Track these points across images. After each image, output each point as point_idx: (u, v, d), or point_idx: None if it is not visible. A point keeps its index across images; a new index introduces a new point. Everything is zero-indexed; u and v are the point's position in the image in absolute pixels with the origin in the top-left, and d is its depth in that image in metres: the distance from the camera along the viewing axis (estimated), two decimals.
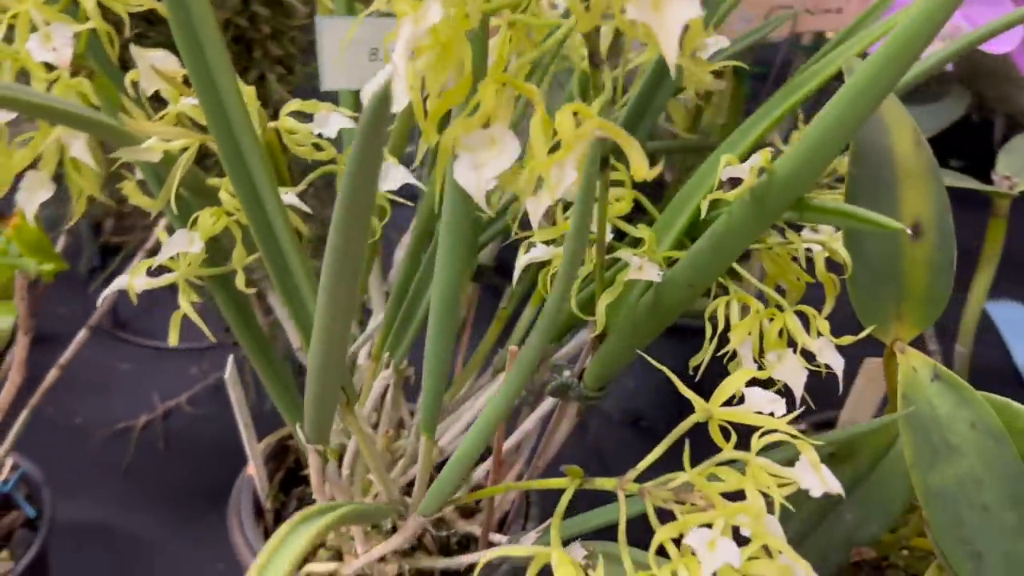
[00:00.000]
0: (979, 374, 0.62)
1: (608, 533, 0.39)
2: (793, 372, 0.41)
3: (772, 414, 0.34)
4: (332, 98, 0.46)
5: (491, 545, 0.50)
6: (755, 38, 0.50)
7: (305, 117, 0.41)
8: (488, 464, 0.49)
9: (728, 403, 0.35)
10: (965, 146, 0.93)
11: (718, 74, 0.53)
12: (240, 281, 0.38)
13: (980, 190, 0.53)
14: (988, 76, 0.88)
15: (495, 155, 0.29)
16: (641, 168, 0.30)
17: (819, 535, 0.49)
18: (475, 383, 0.54)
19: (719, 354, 0.43)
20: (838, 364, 0.41)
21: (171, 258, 0.39)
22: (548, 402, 0.52)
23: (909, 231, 0.42)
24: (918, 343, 0.46)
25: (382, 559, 0.50)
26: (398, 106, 0.29)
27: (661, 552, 0.31)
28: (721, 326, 0.42)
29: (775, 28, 0.51)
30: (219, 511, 0.53)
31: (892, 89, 0.35)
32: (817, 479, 0.32)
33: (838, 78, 0.43)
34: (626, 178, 0.44)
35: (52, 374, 0.57)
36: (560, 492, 0.36)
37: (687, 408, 0.34)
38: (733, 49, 0.49)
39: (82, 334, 0.58)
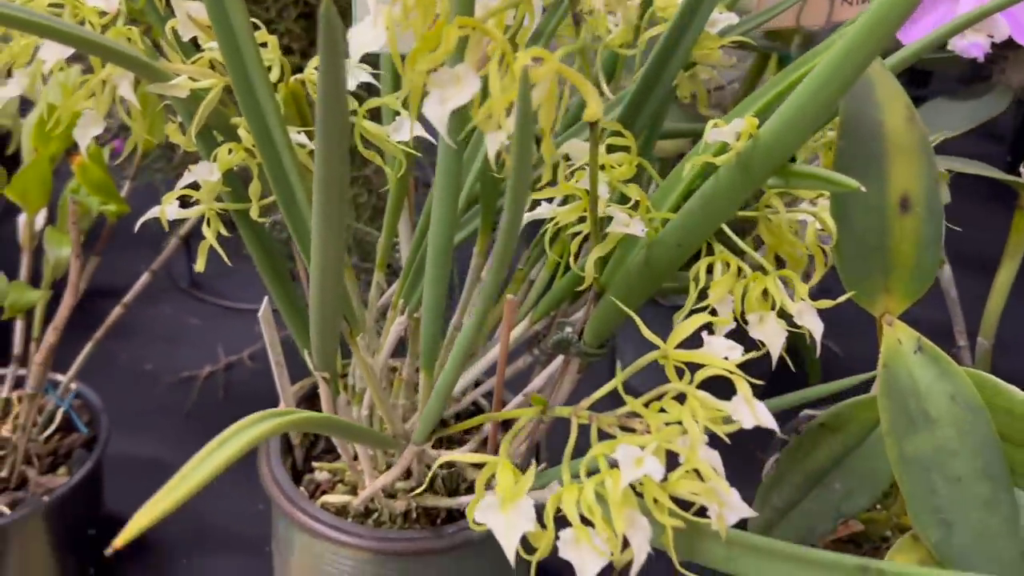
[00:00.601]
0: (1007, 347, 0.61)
1: None
2: (773, 333, 0.43)
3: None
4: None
5: None
6: (767, 18, 0.52)
7: None
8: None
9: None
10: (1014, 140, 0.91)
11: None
12: (254, 211, 0.42)
13: (1004, 180, 0.54)
14: None
15: (458, 90, 0.31)
16: (594, 111, 0.32)
17: (808, 503, 0.50)
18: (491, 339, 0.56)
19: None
20: (817, 328, 0.43)
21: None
22: (557, 362, 0.54)
23: (898, 205, 0.43)
24: (948, 340, 0.47)
25: (392, 496, 0.54)
26: (377, 46, 0.32)
27: None
28: (703, 283, 0.43)
29: (785, 10, 0.52)
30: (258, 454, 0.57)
31: (873, 57, 0.37)
32: (750, 413, 0.33)
33: None
34: (632, 144, 0.46)
35: (116, 311, 0.63)
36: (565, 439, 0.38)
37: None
38: (746, 27, 0.51)
39: (145, 277, 0.63)
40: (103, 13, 0.41)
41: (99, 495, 0.63)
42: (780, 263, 0.48)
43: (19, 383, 0.62)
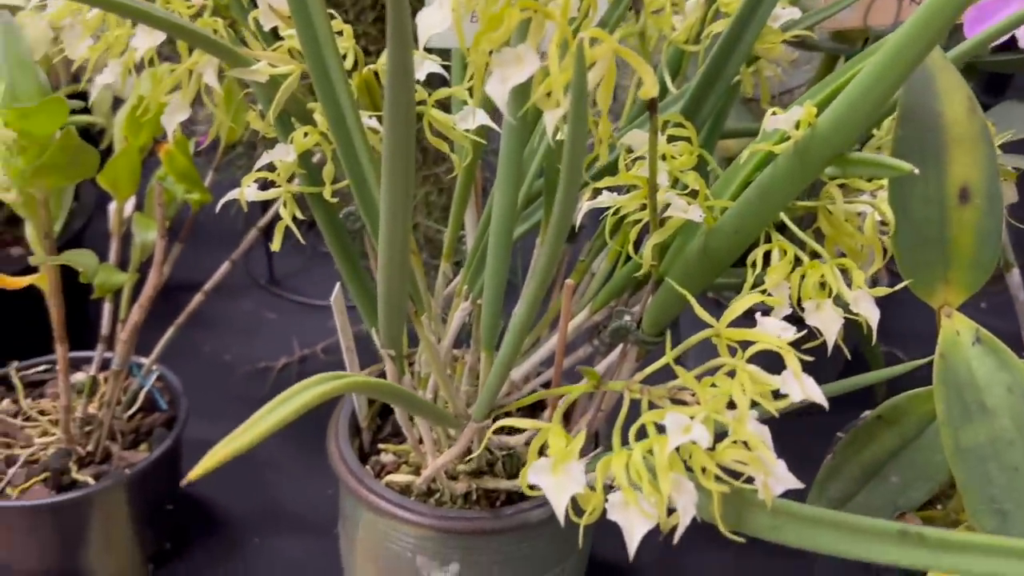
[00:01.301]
0: None
1: None
2: (829, 320, 0.43)
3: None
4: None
5: None
6: (831, 13, 0.52)
7: None
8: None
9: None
10: None
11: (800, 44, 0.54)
12: (327, 192, 0.43)
13: None
14: None
15: (519, 70, 0.33)
16: (651, 88, 0.33)
17: (864, 495, 0.50)
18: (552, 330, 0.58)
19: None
20: (874, 315, 0.43)
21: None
22: (617, 351, 0.55)
23: (957, 196, 0.43)
24: (1017, 346, 0.46)
25: (454, 478, 0.55)
26: (443, 27, 0.34)
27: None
28: (759, 269, 0.44)
29: (848, 6, 0.53)
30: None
31: (929, 50, 0.37)
32: (798, 387, 0.34)
33: None
34: (692, 135, 0.47)
35: (197, 298, 0.65)
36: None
37: None
38: (809, 22, 0.51)
39: (225, 267, 0.66)
40: (191, 5, 0.44)
41: (177, 472, 0.66)
42: (840, 257, 0.48)
43: (105, 365, 0.66)
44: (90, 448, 0.63)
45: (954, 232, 0.44)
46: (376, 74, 0.46)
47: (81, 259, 0.52)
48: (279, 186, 0.45)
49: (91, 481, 0.60)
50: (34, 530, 0.60)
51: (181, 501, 0.68)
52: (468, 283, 0.52)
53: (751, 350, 0.35)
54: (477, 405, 0.46)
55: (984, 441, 0.43)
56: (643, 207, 0.46)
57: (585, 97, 0.32)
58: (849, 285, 0.44)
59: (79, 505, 0.59)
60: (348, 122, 0.41)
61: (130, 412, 0.66)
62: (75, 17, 0.45)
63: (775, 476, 0.33)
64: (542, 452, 0.35)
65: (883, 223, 0.46)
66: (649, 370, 0.37)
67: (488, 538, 0.53)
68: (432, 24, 0.34)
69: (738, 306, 0.37)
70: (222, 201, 0.46)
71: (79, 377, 0.67)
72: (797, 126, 0.41)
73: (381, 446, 0.59)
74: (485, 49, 0.33)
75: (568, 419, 0.61)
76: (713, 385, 0.36)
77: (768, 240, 0.45)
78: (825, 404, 0.35)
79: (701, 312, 0.38)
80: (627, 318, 0.50)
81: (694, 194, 0.46)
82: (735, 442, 0.33)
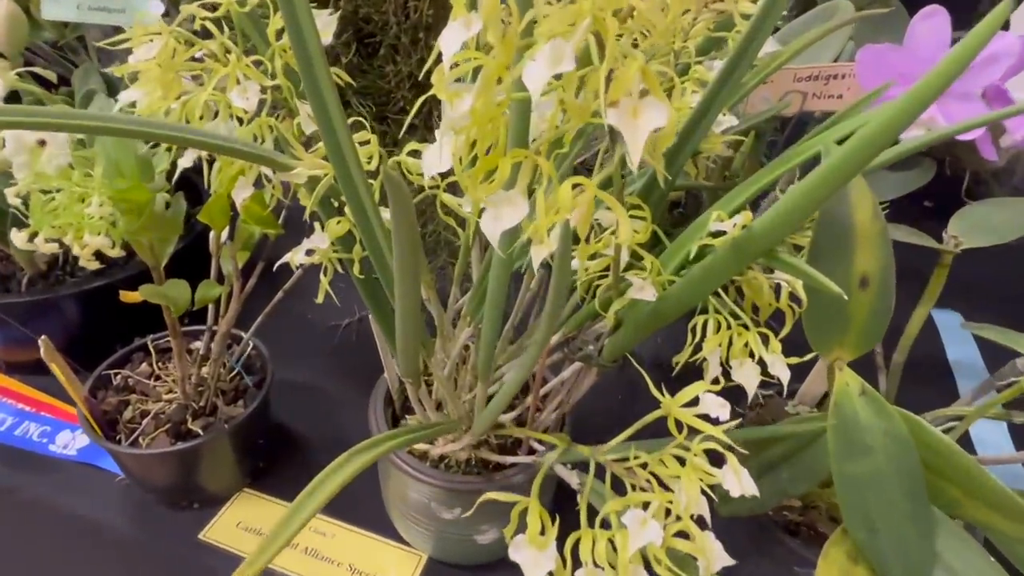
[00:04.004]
0: (918, 365, 0.52)
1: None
2: (749, 376, 0.34)
3: (717, 419, 0.27)
4: None
5: (532, 451, 0.46)
6: (765, 116, 0.41)
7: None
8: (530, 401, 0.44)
9: (690, 404, 0.29)
10: (935, 190, 0.79)
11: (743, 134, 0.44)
12: (356, 268, 0.34)
13: (931, 247, 0.43)
14: (960, 144, 0.74)
15: (510, 212, 0.23)
16: (626, 234, 0.23)
17: (762, 484, 0.42)
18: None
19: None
20: (785, 376, 0.34)
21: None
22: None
23: (858, 283, 0.34)
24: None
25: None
26: (444, 167, 0.23)
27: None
28: (698, 337, 0.35)
29: (782, 110, 0.42)
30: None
31: (854, 176, 0.27)
32: (736, 482, 0.25)
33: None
34: (648, 215, 0.37)
35: (277, 296, 0.56)
36: (589, 415, 0.30)
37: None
38: (749, 124, 0.41)
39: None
40: (245, 112, 0.33)
41: (267, 418, 0.58)
42: (754, 308, 0.39)
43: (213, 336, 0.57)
44: (201, 404, 0.54)
45: (852, 310, 0.34)
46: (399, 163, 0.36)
47: (174, 292, 0.42)
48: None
49: (200, 432, 0.52)
50: (162, 466, 0.52)
51: (272, 434, 0.60)
52: (471, 314, 0.43)
53: (698, 445, 0.26)
54: (474, 430, 0.37)
55: (864, 473, 0.34)
56: (607, 270, 0.36)
57: (569, 241, 0.22)
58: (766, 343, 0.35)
59: (194, 450, 0.51)
60: (369, 217, 0.31)
61: (232, 374, 0.58)
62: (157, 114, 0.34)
63: (714, 557, 0.25)
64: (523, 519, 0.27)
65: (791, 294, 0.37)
66: (613, 443, 0.28)
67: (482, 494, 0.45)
68: (434, 165, 0.24)
69: (689, 392, 0.28)
70: (277, 264, 0.37)
71: (196, 345, 0.59)
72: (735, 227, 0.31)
73: (408, 416, 0.51)
74: (479, 196, 0.23)
75: (544, 399, 0.53)
76: (662, 462, 0.27)
77: (705, 310, 0.35)
78: (757, 494, 0.26)
79: (655, 391, 0.29)
80: (591, 348, 0.41)
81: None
82: (681, 532, 0.24)
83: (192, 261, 0.63)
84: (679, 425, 0.28)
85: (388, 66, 0.60)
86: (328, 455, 0.63)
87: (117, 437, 0.52)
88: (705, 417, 0.28)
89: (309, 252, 0.35)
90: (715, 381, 0.32)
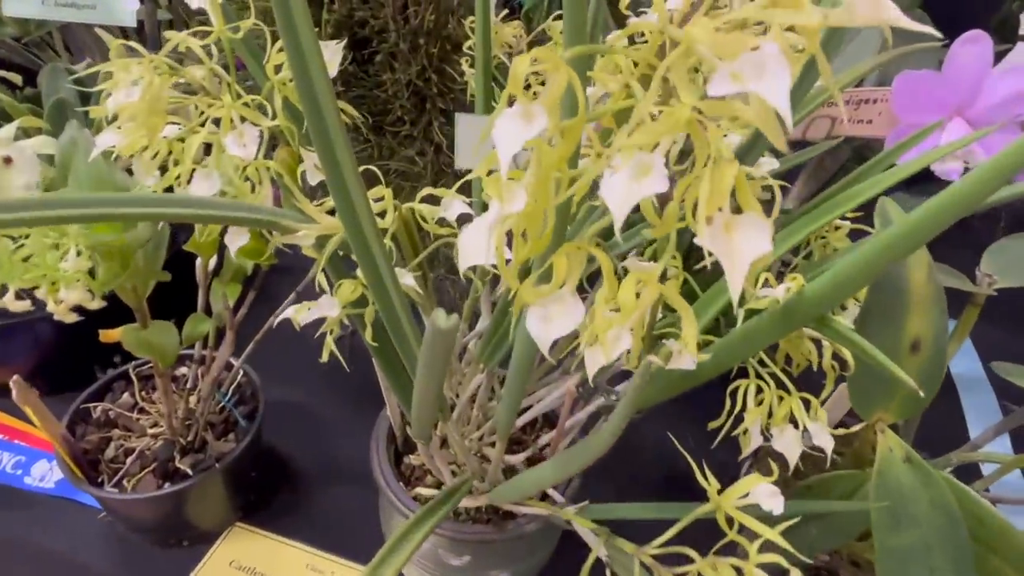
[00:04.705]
0: None
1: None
2: (791, 444, 0.32)
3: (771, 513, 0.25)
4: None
5: (545, 495, 0.43)
6: (808, 156, 0.39)
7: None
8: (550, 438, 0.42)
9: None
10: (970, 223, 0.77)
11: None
12: (368, 334, 0.31)
13: (965, 290, 0.41)
14: None
15: (562, 312, 0.20)
16: (692, 337, 0.21)
17: (789, 538, 0.40)
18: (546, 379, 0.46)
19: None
20: (828, 444, 0.32)
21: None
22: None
23: (909, 347, 0.31)
24: None
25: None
26: (488, 260, 0.20)
27: None
28: (739, 405, 0.32)
29: (825, 149, 0.39)
30: (380, 403, 0.48)
31: (919, 248, 0.24)
32: None
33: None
34: (679, 263, 0.34)
35: (291, 298, 0.52)
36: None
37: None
38: (786, 164, 0.38)
39: (292, 296, 0.52)
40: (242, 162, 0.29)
41: (259, 450, 0.55)
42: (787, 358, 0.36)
43: (202, 361, 0.53)
44: (190, 439, 0.51)
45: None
46: (413, 211, 0.32)
47: (160, 340, 0.39)
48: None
49: (190, 472, 0.49)
50: (149, 509, 0.49)
51: (264, 462, 0.57)
52: (484, 360, 0.40)
53: (761, 557, 0.24)
54: (488, 484, 0.34)
55: (908, 545, 0.32)
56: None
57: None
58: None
59: (184, 492, 0.48)
60: (384, 279, 0.27)
61: (221, 406, 0.54)
62: (140, 156, 0.30)
63: None
64: None
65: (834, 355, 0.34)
66: (659, 542, 0.26)
67: (492, 545, 0.43)
68: (473, 256, 0.21)
69: (742, 486, 0.26)
70: (276, 320, 0.33)
71: (182, 371, 0.55)
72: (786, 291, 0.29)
73: (411, 455, 0.48)
74: (528, 301, 0.20)
75: (552, 425, 0.50)
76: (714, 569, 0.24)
77: (746, 374, 0.33)
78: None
79: (705, 483, 0.26)
80: (614, 397, 0.39)
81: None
82: None
83: (176, 280, 0.59)
84: (729, 520, 0.26)
85: (385, 74, 0.55)
86: (321, 481, 0.61)
87: (99, 478, 0.49)
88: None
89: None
90: (763, 462, 0.29)
